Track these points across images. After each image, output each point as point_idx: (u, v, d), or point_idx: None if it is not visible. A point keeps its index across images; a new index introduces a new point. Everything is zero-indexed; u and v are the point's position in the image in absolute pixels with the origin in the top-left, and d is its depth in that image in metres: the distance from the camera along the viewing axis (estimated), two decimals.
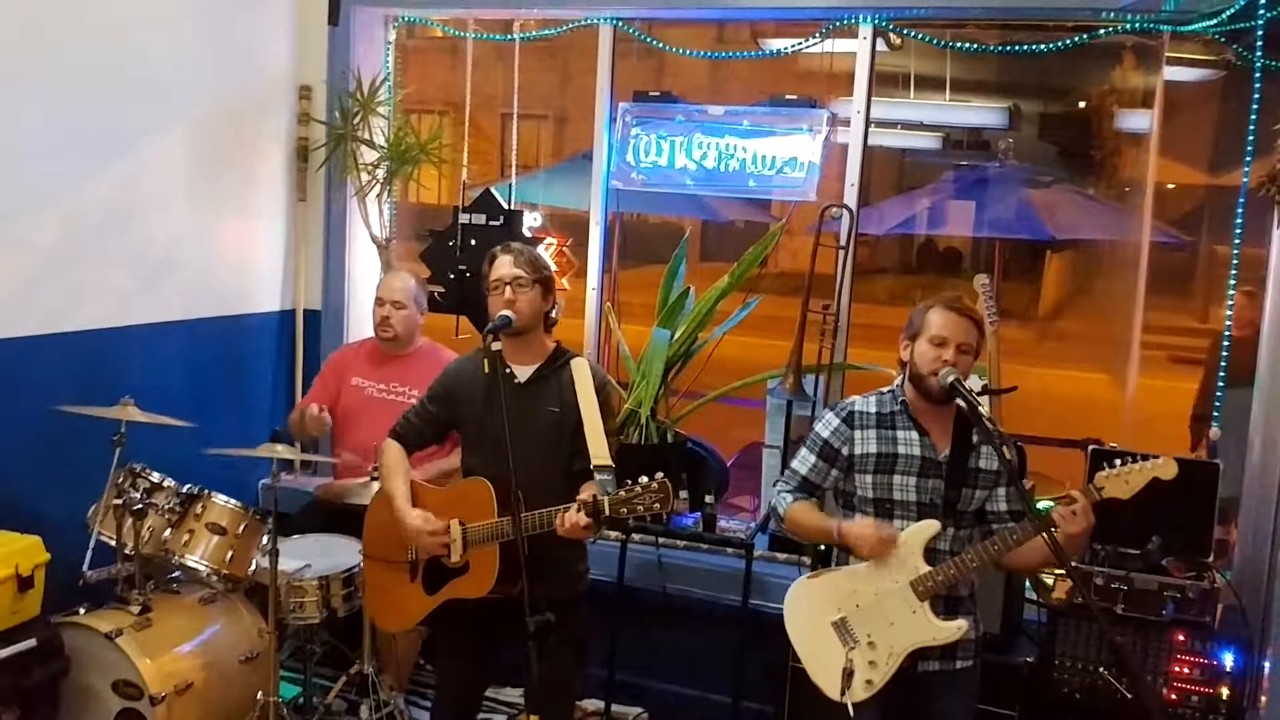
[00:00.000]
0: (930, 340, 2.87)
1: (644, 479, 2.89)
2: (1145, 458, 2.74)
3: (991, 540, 2.81)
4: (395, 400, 4.23)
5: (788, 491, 3.06)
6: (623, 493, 2.89)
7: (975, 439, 2.92)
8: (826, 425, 3.03)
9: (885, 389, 3.03)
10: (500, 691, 4.32)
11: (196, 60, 4.43)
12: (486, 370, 3.02)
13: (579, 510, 2.90)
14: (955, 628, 2.85)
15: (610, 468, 2.96)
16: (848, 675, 2.85)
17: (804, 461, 3.05)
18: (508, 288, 3.10)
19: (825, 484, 3.04)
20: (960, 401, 2.84)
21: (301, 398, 4.68)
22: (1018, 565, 2.99)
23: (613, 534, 4.19)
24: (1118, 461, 2.74)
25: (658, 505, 2.88)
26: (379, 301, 4.17)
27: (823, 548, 3.52)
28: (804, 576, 3.08)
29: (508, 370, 3.10)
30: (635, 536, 4.13)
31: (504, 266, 3.13)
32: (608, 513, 2.89)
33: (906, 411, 2.95)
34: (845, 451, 2.98)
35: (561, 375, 3.16)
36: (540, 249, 4.69)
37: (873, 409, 2.99)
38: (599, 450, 3.01)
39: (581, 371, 3.15)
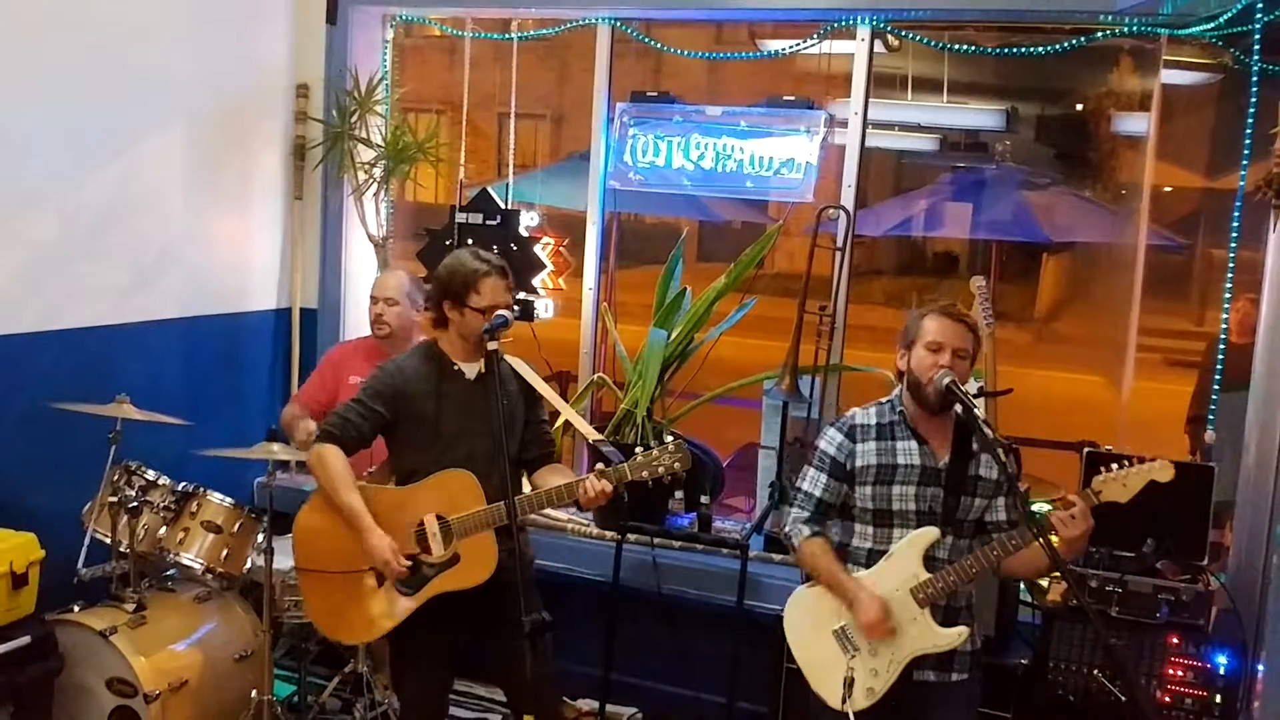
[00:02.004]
0: (926, 346, 2.85)
1: (655, 442, 3.06)
2: (1141, 460, 2.73)
3: (990, 546, 2.80)
4: None
5: (804, 522, 2.99)
6: (640, 456, 3.02)
7: (975, 446, 2.91)
8: (830, 441, 2.99)
9: (884, 399, 3.01)
10: (473, 685, 4.31)
11: (194, 58, 4.42)
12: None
13: (599, 478, 3.00)
14: (956, 634, 2.84)
15: (605, 440, 3.02)
16: (849, 684, 2.83)
17: (816, 483, 2.99)
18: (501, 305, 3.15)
19: (838, 502, 2.99)
20: (957, 406, 2.81)
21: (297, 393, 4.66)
22: (1018, 571, 2.98)
23: (609, 534, 4.19)
24: (1114, 465, 2.73)
25: (677, 465, 3.01)
26: (373, 300, 4.16)
27: None
28: (804, 585, 3.05)
29: (455, 368, 3.19)
30: (631, 537, 4.13)
31: (502, 294, 3.13)
32: (630, 477, 3.02)
33: (905, 421, 2.93)
34: (849, 466, 2.95)
35: (501, 371, 3.17)
36: (537, 249, 4.71)
37: (873, 420, 2.97)
38: (588, 429, 3.06)
39: (521, 366, 3.26)
